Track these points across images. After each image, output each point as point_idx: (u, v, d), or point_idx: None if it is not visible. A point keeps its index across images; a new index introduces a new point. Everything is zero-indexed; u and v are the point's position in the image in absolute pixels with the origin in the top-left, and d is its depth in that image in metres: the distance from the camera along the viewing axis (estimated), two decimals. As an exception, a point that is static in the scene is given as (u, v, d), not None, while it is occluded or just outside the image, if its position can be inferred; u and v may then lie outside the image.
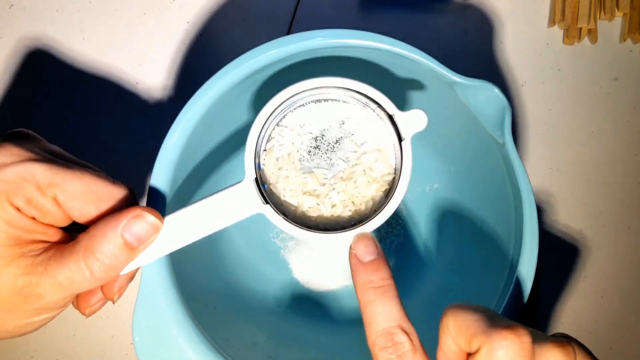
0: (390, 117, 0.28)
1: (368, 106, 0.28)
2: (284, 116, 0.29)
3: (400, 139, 0.28)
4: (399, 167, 0.28)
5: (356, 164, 0.28)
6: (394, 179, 0.28)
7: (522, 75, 0.43)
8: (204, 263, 0.37)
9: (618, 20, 0.44)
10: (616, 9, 0.43)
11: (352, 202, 0.28)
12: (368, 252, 0.26)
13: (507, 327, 0.21)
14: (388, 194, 0.28)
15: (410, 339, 0.24)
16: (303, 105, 0.29)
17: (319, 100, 0.29)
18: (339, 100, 0.29)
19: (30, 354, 0.41)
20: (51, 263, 0.24)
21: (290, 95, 0.28)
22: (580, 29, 0.43)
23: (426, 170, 0.40)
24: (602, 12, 0.43)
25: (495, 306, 0.30)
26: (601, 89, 0.43)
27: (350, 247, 0.26)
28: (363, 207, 0.28)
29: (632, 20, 0.43)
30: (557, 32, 0.44)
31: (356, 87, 0.28)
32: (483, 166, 0.35)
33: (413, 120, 0.28)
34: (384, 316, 0.24)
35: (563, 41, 0.44)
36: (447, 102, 0.33)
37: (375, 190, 0.28)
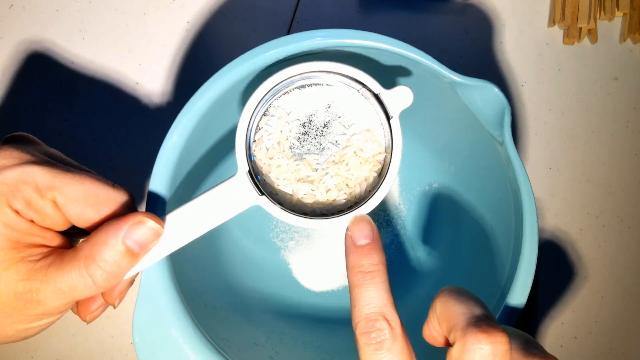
0: (377, 97, 0.28)
1: (352, 87, 0.28)
2: (269, 105, 0.28)
3: (388, 118, 0.28)
4: (389, 146, 0.28)
5: (347, 146, 0.28)
6: (385, 158, 0.28)
7: (522, 75, 0.43)
8: (204, 263, 0.37)
9: (618, 20, 0.44)
10: (616, 9, 0.43)
11: (347, 185, 0.28)
12: (362, 236, 0.26)
13: (484, 329, 0.21)
14: (381, 174, 0.28)
15: (391, 326, 0.23)
16: (287, 92, 0.29)
17: (303, 86, 0.29)
18: (322, 85, 0.29)
19: (30, 354, 0.41)
20: (51, 269, 0.24)
21: (274, 84, 0.28)
22: (580, 29, 0.43)
23: (426, 169, 0.40)
24: (602, 12, 0.43)
25: (494, 305, 0.30)
26: (601, 89, 0.43)
27: (347, 229, 0.26)
28: (357, 189, 0.28)
29: (632, 20, 0.43)
30: (557, 32, 0.44)
31: (340, 70, 0.28)
32: (483, 166, 0.35)
33: (399, 98, 0.28)
34: (368, 301, 0.24)
35: (563, 41, 0.44)
36: (447, 101, 0.32)
37: (368, 171, 0.28)
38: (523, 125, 0.43)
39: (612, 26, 0.44)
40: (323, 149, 0.29)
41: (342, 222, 0.27)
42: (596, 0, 0.43)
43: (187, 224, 0.27)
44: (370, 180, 0.28)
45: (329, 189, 0.28)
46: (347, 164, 0.28)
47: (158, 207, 0.29)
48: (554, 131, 0.43)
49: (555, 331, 0.40)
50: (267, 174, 0.28)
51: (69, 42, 0.44)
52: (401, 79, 0.33)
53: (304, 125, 0.29)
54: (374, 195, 0.27)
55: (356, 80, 0.28)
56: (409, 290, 0.39)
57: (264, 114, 0.28)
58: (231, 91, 0.31)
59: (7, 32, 0.44)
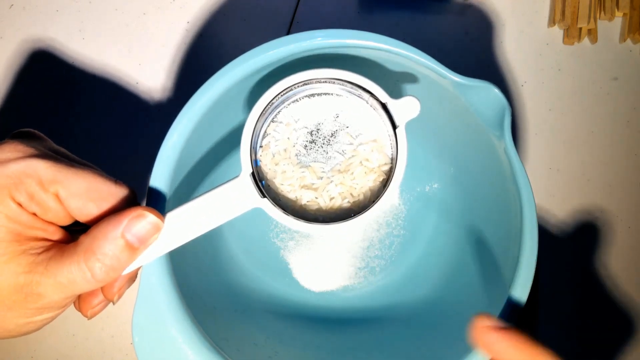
0: (384, 106, 0.28)
1: (361, 97, 0.28)
2: (278, 112, 0.29)
3: (394, 127, 0.28)
4: (396, 157, 0.28)
5: (353, 155, 0.28)
6: (390, 168, 0.28)
7: (522, 75, 0.43)
8: (203, 263, 0.37)
9: (618, 20, 0.44)
10: (616, 9, 0.43)
11: (351, 194, 0.28)
12: None
13: None
14: (386, 183, 0.28)
15: None
16: (297, 100, 0.29)
17: (312, 95, 0.29)
18: (332, 94, 0.29)
19: (30, 354, 0.41)
20: (52, 263, 0.24)
21: (282, 89, 0.28)
22: (580, 29, 0.43)
23: (426, 170, 0.40)
24: (602, 12, 0.43)
25: (494, 305, 0.30)
26: (601, 89, 0.43)
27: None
28: (361, 197, 0.28)
29: (632, 20, 0.43)
30: (557, 32, 0.44)
31: (348, 78, 0.28)
32: (483, 166, 0.35)
33: (406, 108, 0.28)
34: None
35: (563, 41, 0.44)
36: (447, 102, 0.32)
37: (373, 181, 0.28)
38: (523, 125, 0.43)
39: (612, 26, 0.44)
40: (329, 157, 0.29)
41: (342, 228, 0.27)
42: (596, 0, 0.43)
43: (188, 222, 0.27)
44: (375, 189, 0.28)
45: (333, 197, 0.28)
46: (352, 173, 0.28)
47: (158, 205, 0.29)
48: (554, 131, 0.43)
49: (556, 331, 0.40)
50: (272, 179, 0.28)
51: (69, 42, 0.44)
52: (404, 84, 0.33)
53: (311, 134, 0.29)
54: (376, 204, 0.27)
55: (364, 89, 0.28)
56: (409, 291, 0.39)
57: (272, 121, 0.28)
58: (232, 91, 0.31)
59: (7, 32, 0.44)
